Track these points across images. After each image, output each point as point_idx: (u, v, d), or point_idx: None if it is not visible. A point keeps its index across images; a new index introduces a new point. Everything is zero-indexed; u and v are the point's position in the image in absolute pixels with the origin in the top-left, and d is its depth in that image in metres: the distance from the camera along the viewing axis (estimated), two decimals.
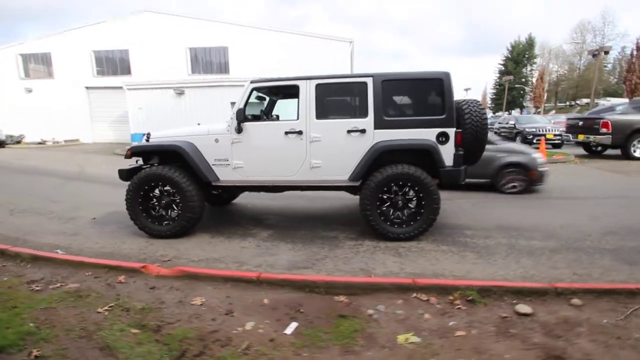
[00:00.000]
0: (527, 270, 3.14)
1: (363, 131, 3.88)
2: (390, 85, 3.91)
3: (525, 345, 2.08)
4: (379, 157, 3.86)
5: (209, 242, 4.08)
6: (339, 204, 5.83)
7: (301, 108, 3.98)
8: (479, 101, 4.37)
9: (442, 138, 3.87)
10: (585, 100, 40.48)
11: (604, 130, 9.61)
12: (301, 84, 3.98)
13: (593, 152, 11.13)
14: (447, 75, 3.91)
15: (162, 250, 3.81)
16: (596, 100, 27.71)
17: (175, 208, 4.23)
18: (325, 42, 18.78)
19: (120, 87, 17.38)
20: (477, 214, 5.06)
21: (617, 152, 10.51)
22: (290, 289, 2.75)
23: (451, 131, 3.87)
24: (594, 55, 22.20)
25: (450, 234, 4.17)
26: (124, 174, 4.30)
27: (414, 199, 3.96)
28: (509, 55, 52.23)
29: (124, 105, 17.67)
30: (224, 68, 19.93)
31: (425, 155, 3.92)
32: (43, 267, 3.26)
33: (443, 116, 3.85)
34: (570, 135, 11.13)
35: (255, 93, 4.27)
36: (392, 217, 4.01)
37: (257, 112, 4.75)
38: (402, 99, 4.03)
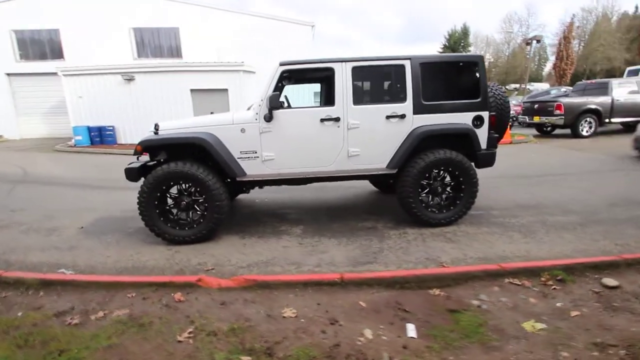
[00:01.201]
0: (576, 245, 3.30)
1: (402, 116, 3.73)
2: (428, 67, 3.78)
3: (637, 316, 2.16)
4: (420, 143, 3.75)
5: (242, 244, 3.66)
6: (350, 193, 5.67)
7: (337, 93, 3.69)
8: (499, 84, 4.46)
9: (477, 122, 3.88)
10: (513, 85, 44.82)
11: (557, 112, 10.62)
12: (336, 66, 3.67)
13: (544, 132, 12.29)
14: (481, 58, 3.89)
15: (195, 258, 3.33)
16: (522, 85, 30.81)
17: (198, 209, 3.73)
18: (286, 26, 18.01)
19: (52, 74, 14.96)
20: (489, 196, 5.24)
21: (565, 131, 11.74)
22: (378, 287, 2.55)
23: (485, 114, 3.88)
24: (527, 44, 24.39)
25: (480, 216, 4.25)
26: (135, 174, 3.65)
27: (452, 183, 3.95)
28: (447, 44, 55.47)
29: (59, 94, 15.33)
30: (175, 52, 18.18)
31: (462, 140, 3.91)
32: (63, 293, 2.63)
33: (478, 100, 3.85)
34: (527, 117, 12.14)
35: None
36: (431, 203, 3.97)
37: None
38: (439, 82, 3.93)
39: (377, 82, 4.03)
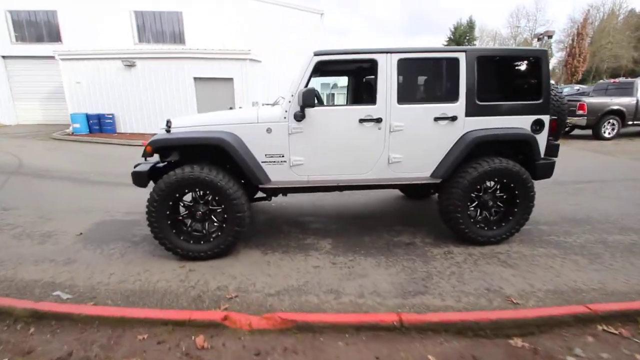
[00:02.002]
0: None
1: (453, 119, 3.21)
2: (485, 62, 3.23)
3: None
4: (472, 151, 3.24)
5: (266, 261, 3.17)
6: (372, 197, 5.17)
7: (380, 89, 3.15)
8: (554, 83, 3.93)
9: (537, 126, 3.36)
10: None
11: (580, 112, 10.10)
12: (380, 58, 3.12)
13: (564, 133, 11.79)
14: (545, 53, 3.34)
15: (213, 279, 2.84)
16: None
17: (215, 219, 3.22)
18: (294, 13, 17.26)
19: (50, 57, 14.21)
20: None
21: (584, 133, 11.24)
22: (447, 334, 2.08)
23: (546, 118, 3.37)
24: (538, 39, 23.72)
25: (528, 231, 3.76)
26: (144, 178, 3.13)
27: (504, 196, 3.45)
28: (452, 37, 54.43)
29: (57, 79, 14.62)
30: (178, 37, 17.41)
31: (518, 147, 3.41)
32: (59, 331, 2.14)
33: (540, 101, 3.32)
34: None
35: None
36: (479, 218, 3.48)
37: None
38: (496, 80, 3.40)
39: (426, 78, 3.49)
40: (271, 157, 3.20)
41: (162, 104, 13.84)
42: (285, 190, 3.51)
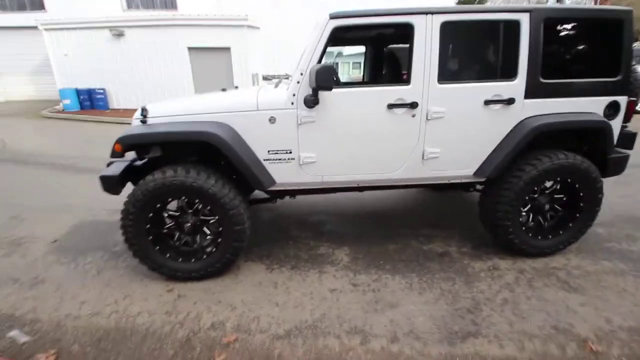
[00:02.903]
0: None
1: (509, 101, 2.47)
2: (553, 27, 2.45)
3: None
4: (531, 143, 2.54)
5: (272, 282, 2.58)
6: (388, 190, 4.52)
7: (415, 65, 2.39)
8: None
9: (611, 110, 2.63)
10: None
11: None
12: (418, 21, 2.34)
13: None
14: (629, 15, 2.53)
15: (207, 310, 2.27)
16: None
17: (209, 232, 2.61)
18: None
19: (34, 27, 13.14)
20: None
21: None
22: None
23: (623, 100, 2.63)
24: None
25: (584, 238, 3.14)
26: (114, 184, 2.47)
27: (564, 198, 2.78)
28: None
29: (43, 50, 13.58)
30: (169, 2, 16.02)
31: (586, 137, 2.70)
32: None
33: (617, 77, 2.56)
34: None
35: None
36: (532, 224, 2.83)
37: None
38: (565, 51, 2.63)
39: (475, 48, 2.70)
40: (276, 154, 2.52)
41: (156, 77, 12.88)
42: (293, 192, 2.87)
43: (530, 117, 2.53)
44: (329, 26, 2.32)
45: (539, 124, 2.47)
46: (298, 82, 2.40)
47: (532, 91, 2.49)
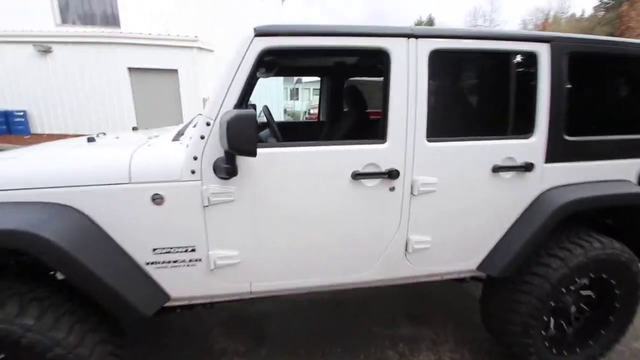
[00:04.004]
0: None
1: (527, 168, 1.67)
2: (581, 62, 1.73)
3: None
4: (556, 225, 1.74)
5: None
6: None
7: (393, 112, 1.52)
8: None
9: None
10: None
11: None
12: (394, 47, 1.48)
13: None
14: None
15: None
16: None
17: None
18: None
19: None
20: None
21: None
22: None
23: None
24: None
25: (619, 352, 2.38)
26: None
27: (594, 298, 2.00)
28: None
29: None
30: (111, 20, 14.47)
31: (616, 213, 1.98)
32: None
33: None
34: None
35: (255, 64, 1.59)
36: (551, 333, 2.00)
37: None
38: (594, 95, 1.91)
39: (478, 90, 1.91)
40: (168, 253, 1.47)
41: (90, 99, 11.24)
42: (208, 303, 1.80)
43: (552, 188, 1.75)
44: (255, 48, 1.39)
45: (568, 202, 1.68)
46: (203, 138, 1.40)
47: (554, 153, 1.71)
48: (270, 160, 1.45)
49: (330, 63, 2.50)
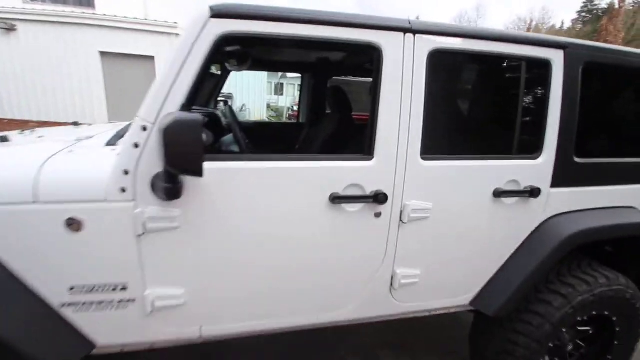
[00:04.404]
0: None
1: (533, 193, 1.43)
2: (597, 74, 1.51)
3: None
4: (562, 258, 1.52)
5: None
6: None
7: (383, 123, 1.24)
8: None
9: None
10: None
11: None
12: (388, 42, 1.20)
13: None
14: None
15: None
16: None
17: None
18: None
19: None
20: None
21: None
22: None
23: None
24: None
25: None
26: None
27: (591, 332, 1.81)
28: None
29: None
30: (85, 1, 13.58)
31: (616, 243, 1.78)
32: None
33: None
34: None
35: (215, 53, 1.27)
36: None
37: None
38: (608, 112, 1.69)
39: (480, 101, 1.64)
40: (90, 293, 1.13)
41: (57, 83, 10.42)
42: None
43: (557, 215, 1.53)
44: (210, 32, 1.06)
45: (577, 232, 1.46)
46: (137, 146, 1.07)
47: (562, 176, 1.48)
48: (228, 178, 1.14)
49: (312, 58, 2.19)
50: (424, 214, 1.33)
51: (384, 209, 1.28)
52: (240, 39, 1.10)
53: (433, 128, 1.28)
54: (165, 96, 1.06)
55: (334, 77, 2.67)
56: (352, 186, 1.24)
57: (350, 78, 2.99)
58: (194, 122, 0.90)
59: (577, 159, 1.50)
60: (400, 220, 1.32)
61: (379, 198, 1.24)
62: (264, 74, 13.45)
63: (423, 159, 1.29)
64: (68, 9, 12.47)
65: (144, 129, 1.06)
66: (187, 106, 1.07)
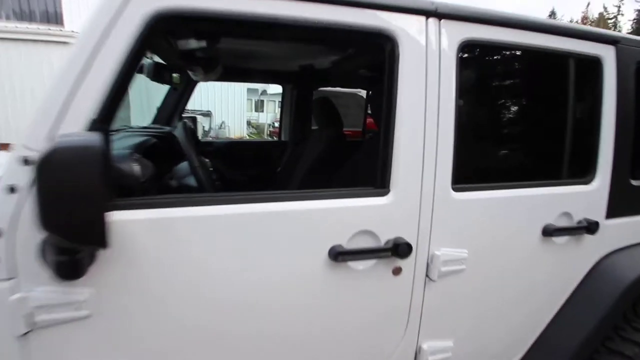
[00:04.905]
0: None
1: (589, 228, 1.09)
2: None
3: None
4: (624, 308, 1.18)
5: None
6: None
7: (399, 145, 0.87)
8: None
9: None
10: None
11: None
12: (405, 27, 0.83)
13: None
14: None
15: None
16: None
17: None
18: None
19: None
20: None
21: None
22: None
23: None
24: None
25: None
26: None
27: None
28: None
29: None
30: (53, 18, 12.89)
31: None
32: None
33: None
34: None
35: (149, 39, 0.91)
36: None
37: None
38: None
39: (524, 111, 1.27)
40: None
41: (18, 102, 9.62)
42: None
43: (614, 252, 1.19)
44: (138, 8, 0.67)
45: None
46: (13, 191, 0.65)
47: (618, 203, 1.16)
48: (172, 232, 0.73)
49: (295, 58, 1.82)
50: (459, 265, 0.95)
51: (405, 263, 0.90)
52: (187, 18, 0.71)
53: (467, 148, 0.92)
54: (61, 108, 0.64)
55: (319, 88, 2.32)
56: (361, 234, 0.85)
57: (337, 89, 2.66)
58: (90, 149, 0.50)
59: (633, 182, 1.18)
60: (427, 276, 0.94)
61: (400, 249, 0.85)
62: (244, 90, 13.08)
63: (455, 189, 0.92)
64: (31, 26, 11.81)
65: (26, 162, 0.64)
66: (100, 123, 0.66)
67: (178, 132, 1.02)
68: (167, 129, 1.52)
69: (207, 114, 12.15)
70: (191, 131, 1.23)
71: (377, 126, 1.35)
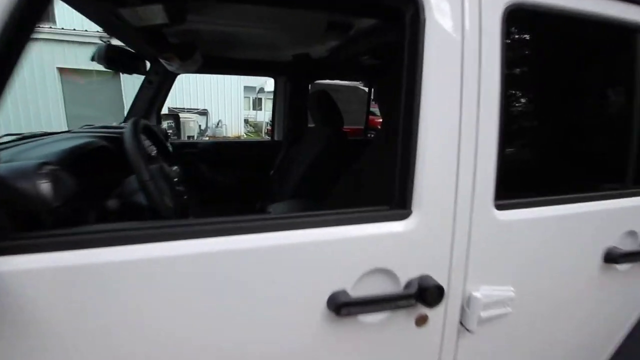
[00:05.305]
0: None
1: None
2: None
3: None
4: None
5: None
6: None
7: (424, 148, 0.63)
8: None
9: None
10: None
11: None
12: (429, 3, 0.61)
13: None
14: None
15: None
16: None
17: None
18: None
19: None
20: None
21: None
22: None
23: None
24: None
25: None
26: None
27: None
28: None
29: None
30: (45, 15, 12.60)
31: None
32: None
33: None
34: None
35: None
36: None
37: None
38: None
39: (585, 101, 1.03)
40: None
41: (9, 103, 9.34)
42: None
43: None
44: None
45: None
46: None
47: None
48: (91, 289, 0.48)
49: (287, 55, 1.58)
50: (503, 308, 0.71)
51: (435, 313, 0.66)
52: None
53: (516, 151, 0.68)
54: None
55: (316, 81, 2.07)
56: (372, 274, 0.61)
57: (337, 82, 2.42)
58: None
59: None
60: (462, 324, 0.70)
61: (428, 294, 0.61)
62: (240, 88, 12.77)
63: (498, 207, 0.68)
64: None
65: None
66: None
67: (125, 131, 0.78)
68: (122, 128, 1.23)
69: (204, 113, 11.87)
70: (149, 131, 0.97)
71: (385, 123, 1.11)
